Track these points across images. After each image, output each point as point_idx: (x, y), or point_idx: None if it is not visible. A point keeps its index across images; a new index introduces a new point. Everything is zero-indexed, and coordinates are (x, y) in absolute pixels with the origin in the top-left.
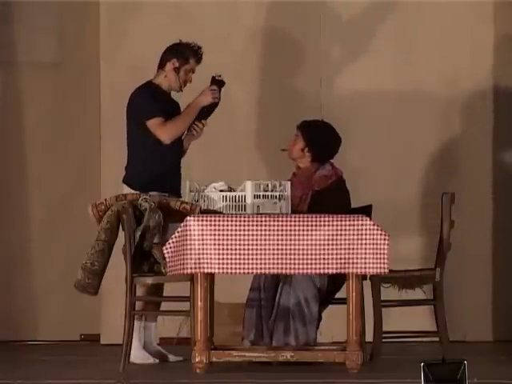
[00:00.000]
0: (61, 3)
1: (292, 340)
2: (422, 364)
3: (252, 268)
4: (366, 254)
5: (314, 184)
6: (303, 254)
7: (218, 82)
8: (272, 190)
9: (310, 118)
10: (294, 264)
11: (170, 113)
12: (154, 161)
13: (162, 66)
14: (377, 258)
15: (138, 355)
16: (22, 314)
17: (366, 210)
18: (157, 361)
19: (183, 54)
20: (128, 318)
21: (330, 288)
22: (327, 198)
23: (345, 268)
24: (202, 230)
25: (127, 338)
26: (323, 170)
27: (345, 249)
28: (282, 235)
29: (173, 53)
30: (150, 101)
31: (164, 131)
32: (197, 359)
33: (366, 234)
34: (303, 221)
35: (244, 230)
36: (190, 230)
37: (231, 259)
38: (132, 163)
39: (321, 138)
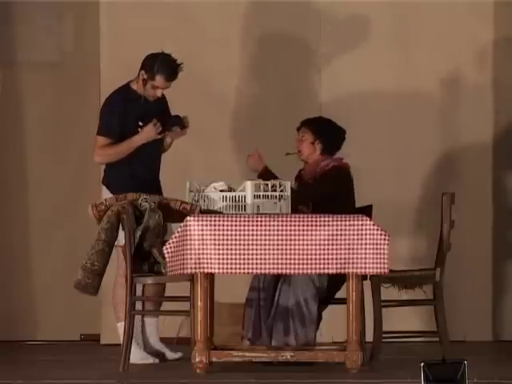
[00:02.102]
0: (61, 3)
1: (292, 340)
2: (422, 364)
3: (252, 268)
4: (365, 253)
5: (318, 172)
6: (303, 254)
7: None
8: (272, 190)
9: (316, 116)
10: (294, 264)
11: (140, 118)
12: (129, 162)
13: (139, 71)
14: (377, 258)
15: (136, 355)
16: (22, 314)
17: (366, 210)
18: (156, 361)
19: (152, 69)
20: (128, 317)
21: (329, 288)
22: (326, 178)
23: (345, 268)
24: (202, 230)
25: (127, 338)
26: (326, 161)
27: (345, 249)
28: (282, 235)
29: (145, 64)
30: (109, 117)
31: (98, 154)
32: (197, 359)
33: (366, 234)
34: (303, 221)
35: (244, 230)
36: (190, 230)
37: (231, 259)
38: (108, 165)
39: (328, 128)
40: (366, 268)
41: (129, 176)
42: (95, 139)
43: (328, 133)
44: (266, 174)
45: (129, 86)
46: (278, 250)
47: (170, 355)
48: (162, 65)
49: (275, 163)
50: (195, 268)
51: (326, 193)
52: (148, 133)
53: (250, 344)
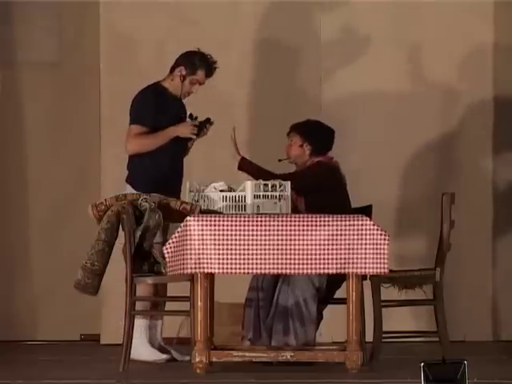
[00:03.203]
0: (61, 3)
1: (292, 340)
2: (422, 364)
3: (252, 268)
4: (365, 253)
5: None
6: (303, 254)
7: (206, 121)
8: (272, 190)
9: (304, 120)
10: (294, 264)
11: (172, 116)
12: (154, 161)
13: (172, 69)
14: (377, 258)
15: (147, 353)
16: (21, 314)
17: (365, 210)
18: (168, 356)
19: (193, 63)
20: (128, 317)
21: (329, 287)
22: (309, 170)
23: (345, 268)
24: (202, 230)
25: (127, 338)
26: (313, 158)
27: (345, 249)
28: (282, 235)
29: (184, 60)
30: (144, 106)
31: (132, 143)
32: (197, 359)
33: (366, 234)
34: (303, 221)
35: (244, 230)
36: (190, 230)
37: (231, 259)
38: (133, 163)
39: (316, 130)
40: (366, 268)
41: (153, 174)
42: (128, 129)
43: (316, 134)
44: (244, 167)
45: (158, 83)
46: (278, 250)
47: (179, 356)
48: (202, 61)
49: (275, 165)
50: (195, 268)
51: (312, 183)
52: (184, 128)
53: (250, 344)
